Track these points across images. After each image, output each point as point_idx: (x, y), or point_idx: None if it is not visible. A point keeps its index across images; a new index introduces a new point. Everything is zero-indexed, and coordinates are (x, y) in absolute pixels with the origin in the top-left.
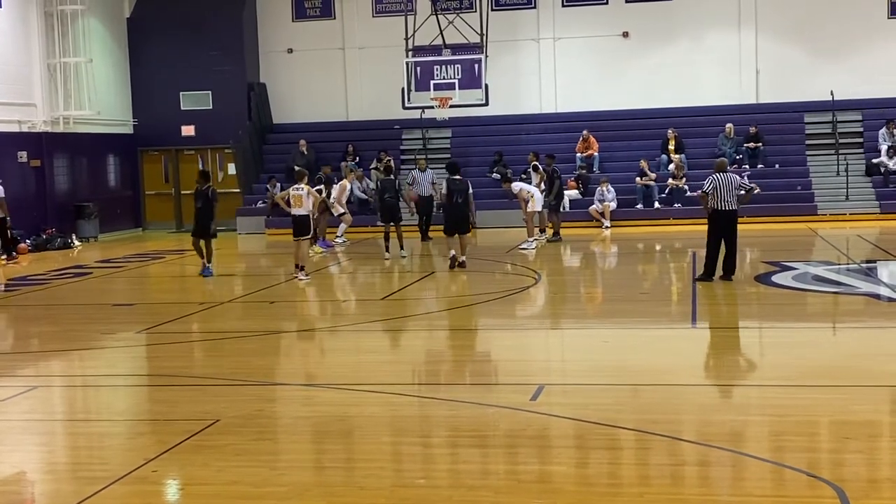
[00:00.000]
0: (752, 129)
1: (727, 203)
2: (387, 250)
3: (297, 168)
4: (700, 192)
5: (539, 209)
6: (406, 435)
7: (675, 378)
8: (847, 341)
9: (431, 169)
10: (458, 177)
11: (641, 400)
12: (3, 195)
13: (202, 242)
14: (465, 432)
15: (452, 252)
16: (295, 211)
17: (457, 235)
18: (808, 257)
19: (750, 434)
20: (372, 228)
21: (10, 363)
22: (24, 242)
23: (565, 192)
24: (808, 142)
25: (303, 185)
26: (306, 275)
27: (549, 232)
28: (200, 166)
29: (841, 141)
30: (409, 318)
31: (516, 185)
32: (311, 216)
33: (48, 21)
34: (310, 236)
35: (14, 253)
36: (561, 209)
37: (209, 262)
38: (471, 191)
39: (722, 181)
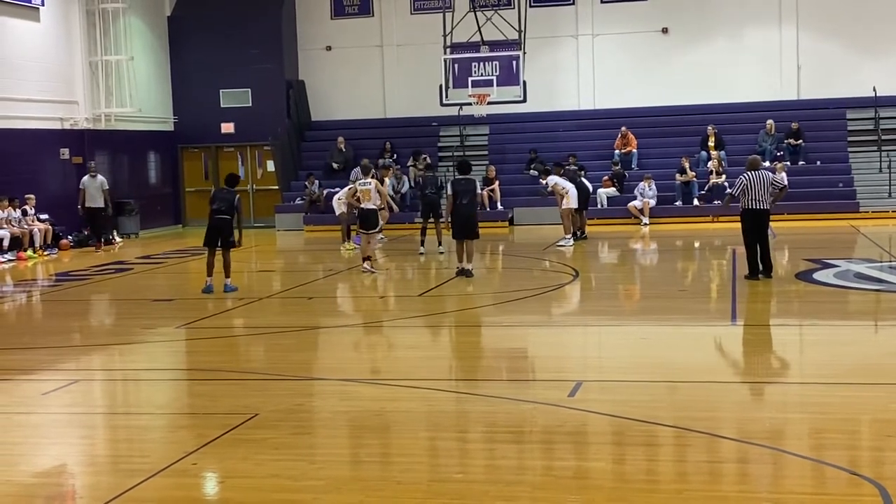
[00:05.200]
0: (794, 126)
1: (758, 202)
2: (422, 245)
3: (363, 163)
4: (728, 194)
5: (574, 206)
6: (443, 430)
7: (713, 375)
8: (889, 339)
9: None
10: (464, 177)
11: (680, 397)
12: (107, 187)
13: (218, 254)
14: (502, 428)
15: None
16: (364, 205)
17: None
18: (850, 255)
19: (790, 431)
20: (409, 225)
21: (52, 357)
22: (66, 239)
23: (601, 190)
24: (850, 138)
25: (370, 180)
26: (372, 268)
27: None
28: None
29: (884, 137)
30: (445, 315)
31: (552, 179)
32: (377, 210)
33: (90, 19)
34: (377, 229)
35: (112, 239)
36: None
37: (228, 276)
38: (479, 191)
39: (753, 180)
